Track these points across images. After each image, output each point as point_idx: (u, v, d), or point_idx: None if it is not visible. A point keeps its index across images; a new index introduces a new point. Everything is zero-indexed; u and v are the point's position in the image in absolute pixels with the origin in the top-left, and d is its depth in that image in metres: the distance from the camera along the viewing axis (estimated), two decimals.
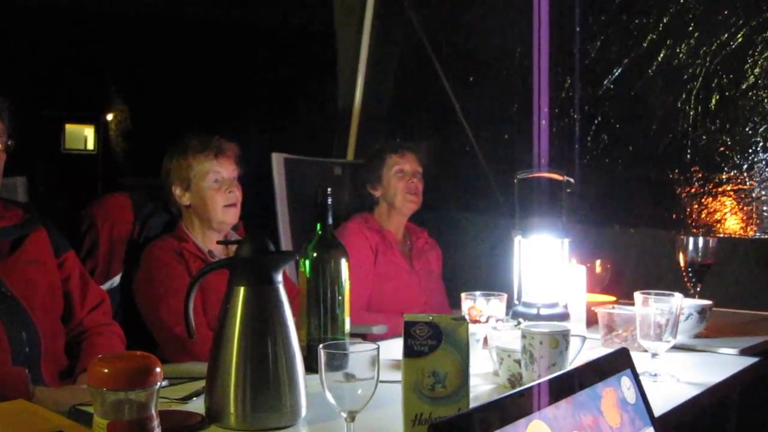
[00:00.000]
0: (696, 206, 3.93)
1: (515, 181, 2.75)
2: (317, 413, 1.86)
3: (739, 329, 3.05)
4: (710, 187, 3.89)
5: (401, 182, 3.89)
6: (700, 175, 3.91)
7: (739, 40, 3.79)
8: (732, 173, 3.83)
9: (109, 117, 9.96)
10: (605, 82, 4.16)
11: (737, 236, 3.84)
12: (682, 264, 3.19)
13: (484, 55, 4.71)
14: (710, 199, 3.90)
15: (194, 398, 2.01)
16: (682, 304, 2.38)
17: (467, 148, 4.70)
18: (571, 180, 2.74)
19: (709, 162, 3.89)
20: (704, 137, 3.89)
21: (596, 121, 4.18)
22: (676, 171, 3.97)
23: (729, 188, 3.84)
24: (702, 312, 2.80)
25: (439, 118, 4.87)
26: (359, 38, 4.88)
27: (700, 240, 3.19)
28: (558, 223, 2.67)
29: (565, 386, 1.31)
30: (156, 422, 1.42)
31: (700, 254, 3.18)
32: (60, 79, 8.24)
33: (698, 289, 3.16)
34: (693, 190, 3.94)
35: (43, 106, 8.68)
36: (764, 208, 3.77)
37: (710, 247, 3.19)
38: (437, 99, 4.81)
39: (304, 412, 1.86)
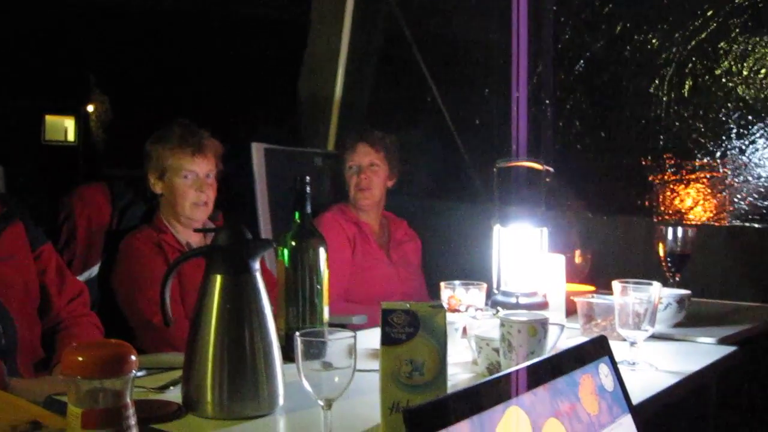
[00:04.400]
0: (668, 193, 3.94)
1: (494, 170, 2.74)
2: (295, 402, 1.85)
3: (717, 319, 3.07)
4: (683, 174, 3.90)
5: (352, 178, 3.89)
6: (672, 161, 3.92)
7: (713, 26, 3.79)
8: (705, 160, 3.84)
9: (90, 108, 9.91)
10: (576, 68, 4.15)
11: (711, 224, 3.85)
12: (661, 254, 3.20)
13: (463, 43, 4.71)
14: (682, 186, 3.91)
15: (171, 387, 2.00)
16: (661, 294, 2.39)
17: (447, 137, 4.70)
18: (551, 169, 2.74)
19: (681, 148, 3.89)
20: (677, 123, 3.89)
21: (567, 107, 4.17)
22: (649, 158, 3.98)
23: (702, 175, 3.85)
24: (680, 301, 2.81)
25: (419, 107, 4.86)
26: (340, 28, 4.87)
27: (679, 230, 3.20)
28: (537, 212, 2.67)
29: (543, 373, 1.30)
30: (131, 411, 1.41)
31: (679, 244, 3.19)
32: (40, 70, 8.20)
33: (677, 278, 3.17)
34: (665, 177, 3.94)
35: (23, 96, 8.63)
36: (738, 196, 3.78)
37: (689, 237, 3.20)
38: (417, 88, 4.81)
39: (281, 400, 1.85)
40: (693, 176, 3.87)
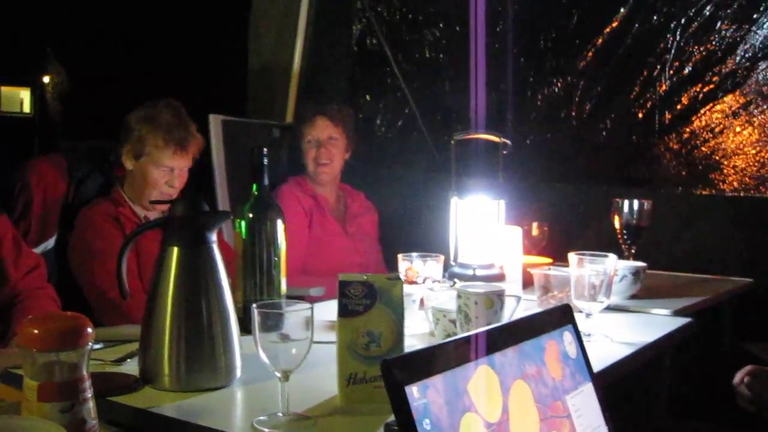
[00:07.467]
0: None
1: (452, 142, 2.75)
2: (252, 374, 1.85)
3: (672, 291, 3.10)
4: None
5: (311, 152, 3.87)
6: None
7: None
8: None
9: (46, 79, 9.80)
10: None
11: (669, 196, 3.90)
12: (617, 226, 3.23)
13: (423, 15, 4.70)
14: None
15: (128, 360, 1.99)
16: (617, 266, 2.41)
17: (406, 109, 4.70)
18: (508, 142, 2.75)
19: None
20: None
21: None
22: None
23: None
24: (636, 273, 2.84)
25: (378, 79, 4.85)
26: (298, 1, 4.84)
27: (635, 202, 3.22)
28: (494, 184, 2.68)
29: (512, 335, 1.31)
30: (87, 383, 1.41)
31: (635, 217, 3.21)
32: None
33: (633, 251, 3.19)
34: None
35: None
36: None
37: (645, 210, 3.22)
38: (378, 60, 4.80)
39: (239, 372, 1.85)
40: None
